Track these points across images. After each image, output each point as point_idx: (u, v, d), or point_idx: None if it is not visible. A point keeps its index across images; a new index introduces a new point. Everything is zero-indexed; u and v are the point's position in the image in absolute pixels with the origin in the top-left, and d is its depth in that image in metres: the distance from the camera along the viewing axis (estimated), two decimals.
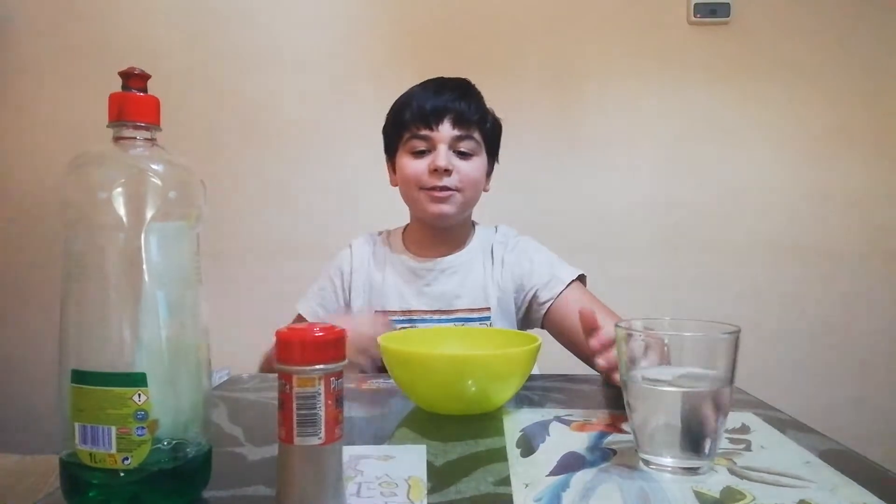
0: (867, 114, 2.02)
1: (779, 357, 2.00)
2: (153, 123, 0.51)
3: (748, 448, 0.64)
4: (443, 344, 0.88)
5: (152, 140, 0.51)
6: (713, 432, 0.56)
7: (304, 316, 1.16)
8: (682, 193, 2.04)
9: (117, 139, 0.50)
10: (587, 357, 1.04)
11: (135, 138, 0.50)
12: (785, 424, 0.72)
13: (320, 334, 0.46)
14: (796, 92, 2.02)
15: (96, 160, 0.50)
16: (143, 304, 0.48)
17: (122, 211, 0.47)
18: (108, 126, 0.50)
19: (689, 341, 0.60)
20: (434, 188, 1.07)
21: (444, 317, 1.12)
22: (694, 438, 0.56)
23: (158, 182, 0.48)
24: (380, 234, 1.24)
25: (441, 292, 1.13)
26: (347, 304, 1.17)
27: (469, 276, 1.14)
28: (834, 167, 2.02)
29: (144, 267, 0.48)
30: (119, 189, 0.48)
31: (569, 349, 1.09)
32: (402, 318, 1.12)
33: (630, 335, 0.59)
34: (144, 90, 0.51)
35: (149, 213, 0.48)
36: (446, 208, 1.08)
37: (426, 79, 1.13)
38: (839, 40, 2.00)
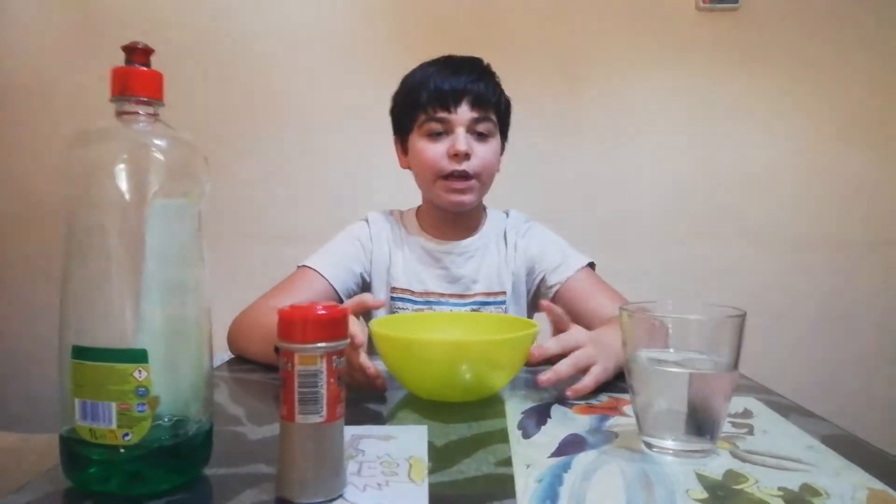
0: (875, 102, 2.00)
1: (782, 343, 2.00)
2: (156, 99, 0.50)
3: (751, 432, 0.63)
4: (438, 330, 0.86)
5: (155, 115, 0.50)
6: (717, 415, 0.56)
7: (318, 270, 1.06)
8: (688, 182, 2.03)
9: (120, 114, 0.49)
10: None
11: (137, 113, 0.49)
12: (787, 409, 0.72)
13: (322, 312, 0.46)
14: (804, 80, 2.00)
15: (98, 136, 0.49)
16: (145, 282, 0.48)
17: (124, 187, 0.47)
18: (110, 101, 0.50)
19: (693, 324, 0.59)
20: (452, 175, 1.04)
21: (461, 300, 1.11)
22: (698, 421, 0.56)
23: (161, 158, 0.48)
24: (392, 212, 1.21)
25: (459, 276, 1.12)
26: (368, 276, 1.13)
27: (485, 260, 1.14)
28: (841, 155, 2.01)
29: (146, 244, 0.47)
30: (121, 165, 0.47)
31: None
32: (420, 300, 1.11)
33: (634, 318, 0.58)
34: (147, 65, 0.50)
35: (151, 190, 0.47)
36: (465, 198, 1.06)
37: (433, 58, 1.10)
38: (848, 28, 1.99)
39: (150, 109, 0.50)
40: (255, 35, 2.02)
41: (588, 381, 0.73)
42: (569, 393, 0.73)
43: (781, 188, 2.02)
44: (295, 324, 0.46)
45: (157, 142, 0.48)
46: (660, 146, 2.03)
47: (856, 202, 2.01)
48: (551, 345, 0.75)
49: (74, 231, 0.48)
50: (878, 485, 0.51)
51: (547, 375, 0.71)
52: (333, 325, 0.46)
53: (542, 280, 1.11)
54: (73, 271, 0.48)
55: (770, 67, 2.00)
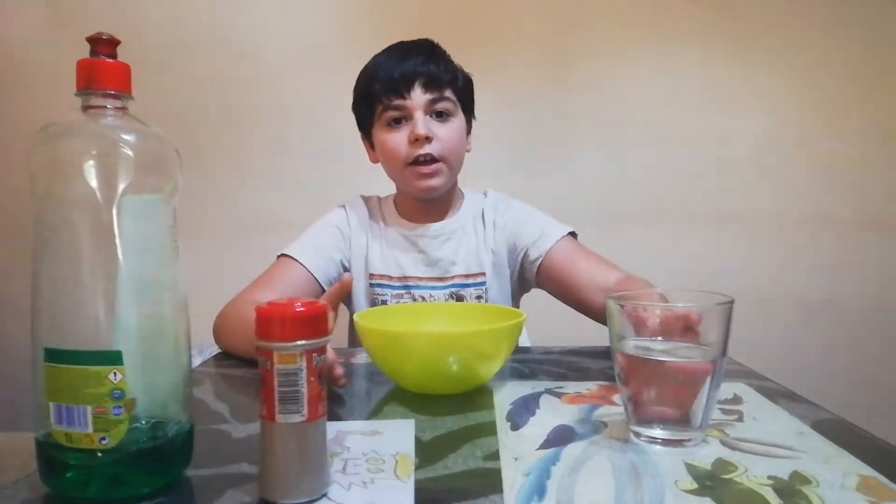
0: (860, 84, 1.99)
1: (771, 327, 2.01)
2: (124, 91, 0.48)
3: (740, 419, 0.63)
4: (424, 322, 0.85)
5: (124, 109, 0.48)
6: (706, 404, 0.55)
7: (298, 259, 1.05)
8: (675, 164, 2.02)
9: (86, 108, 0.48)
10: (582, 307, 1.03)
11: (105, 107, 0.48)
12: (777, 394, 0.71)
13: (301, 309, 0.45)
14: (790, 62, 1.99)
15: (64, 131, 0.47)
16: (118, 281, 0.46)
17: (92, 184, 0.45)
18: (76, 94, 0.48)
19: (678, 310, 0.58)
20: (418, 161, 1.04)
21: (440, 283, 1.10)
22: (686, 410, 0.56)
23: (130, 153, 0.46)
24: (370, 198, 1.20)
25: (437, 259, 1.11)
26: (348, 263, 1.13)
27: (462, 241, 1.13)
28: (827, 137, 2.00)
29: (118, 242, 0.46)
30: (89, 161, 0.46)
31: (564, 302, 1.07)
32: (398, 284, 1.10)
33: (621, 307, 0.58)
34: (114, 56, 0.48)
35: (121, 186, 0.46)
36: (434, 182, 1.06)
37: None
38: (833, 10, 1.97)
39: (118, 103, 0.48)
40: (230, 27, 1.98)
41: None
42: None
43: (765, 170, 2.01)
44: (273, 321, 0.45)
45: (125, 136, 0.47)
46: (648, 132, 2.01)
47: (841, 183, 2.01)
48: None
49: (42, 229, 0.46)
50: (868, 470, 0.50)
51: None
52: (313, 322, 0.45)
53: (525, 255, 1.10)
54: (43, 271, 0.47)
55: (755, 50, 1.98)
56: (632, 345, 0.57)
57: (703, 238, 2.02)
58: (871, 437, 0.58)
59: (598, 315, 0.97)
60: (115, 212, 0.45)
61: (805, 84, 2.00)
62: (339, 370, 0.70)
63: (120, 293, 0.46)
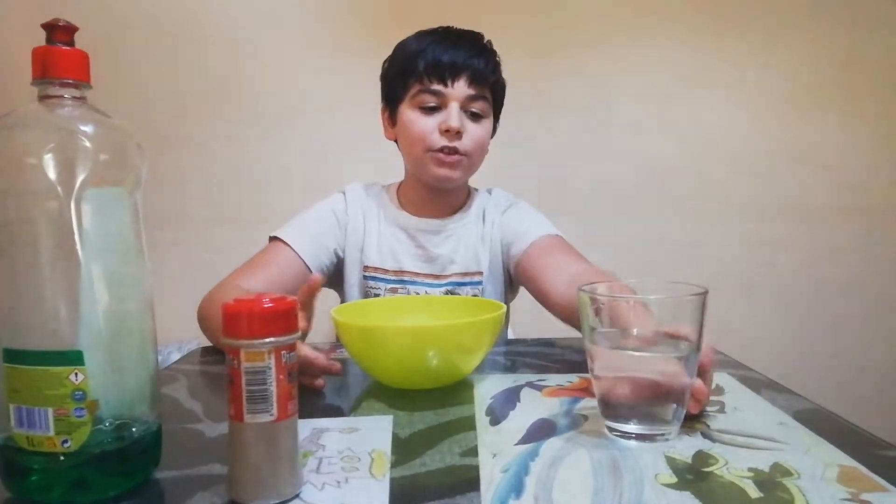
0: (840, 71, 2.00)
1: (752, 315, 2.02)
2: (82, 80, 0.46)
3: (722, 410, 0.62)
4: (403, 315, 0.84)
5: (82, 99, 0.47)
6: (680, 398, 0.54)
7: (290, 244, 1.02)
8: (655, 152, 2.01)
9: (43, 98, 0.46)
10: (545, 299, 0.98)
11: (62, 97, 0.46)
12: (759, 384, 0.71)
13: (269, 305, 0.44)
14: (770, 50, 1.99)
15: (19, 122, 0.45)
16: (79, 277, 0.44)
17: (50, 177, 0.43)
18: (32, 84, 0.46)
19: (653, 304, 0.57)
20: (442, 150, 1.00)
21: (436, 281, 1.08)
22: (660, 405, 0.54)
23: (88, 144, 0.44)
24: (372, 185, 1.16)
25: (436, 255, 1.09)
26: (342, 251, 1.10)
27: (463, 240, 1.10)
28: (807, 124, 2.01)
29: (77, 237, 0.44)
30: (46, 153, 0.44)
31: (536, 299, 1.03)
32: (393, 278, 1.08)
33: (593, 299, 0.56)
34: (71, 44, 0.46)
35: (79, 178, 0.44)
36: (454, 174, 1.03)
37: (430, 27, 1.05)
38: None
39: (76, 92, 0.46)
40: (213, 15, 1.95)
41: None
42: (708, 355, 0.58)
43: (746, 157, 2.02)
44: (240, 318, 0.43)
45: (83, 127, 0.45)
46: (629, 119, 2.01)
47: (822, 170, 2.02)
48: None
49: (0, 225, 0.45)
50: (849, 461, 0.50)
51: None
52: (281, 319, 0.44)
53: (508, 253, 1.08)
54: (0, 268, 0.45)
55: (735, 37, 1.98)
56: (603, 339, 0.56)
57: (685, 225, 2.03)
58: (851, 426, 0.58)
59: (560, 309, 0.92)
60: (73, 205, 0.44)
61: (788, 71, 2.00)
62: (322, 359, 0.68)
63: (81, 290, 0.44)
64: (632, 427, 0.55)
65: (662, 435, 0.54)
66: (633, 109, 2.01)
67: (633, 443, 0.54)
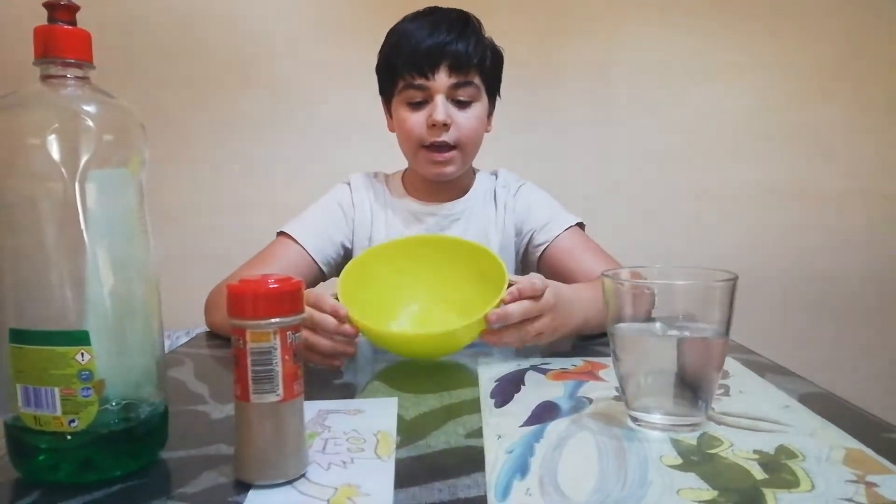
0: (851, 53, 1.98)
1: (760, 300, 2.01)
2: (85, 60, 0.46)
3: (727, 393, 0.62)
4: (406, 289, 0.85)
5: (85, 78, 0.46)
6: (709, 386, 0.53)
7: (297, 238, 1.02)
8: (664, 138, 2.00)
9: (45, 78, 0.45)
10: None
11: (65, 76, 0.45)
12: (764, 368, 0.71)
13: (274, 286, 0.44)
14: (780, 33, 1.97)
15: (21, 102, 0.45)
16: (84, 258, 0.44)
17: (53, 158, 0.43)
18: (34, 64, 0.46)
19: (681, 290, 0.56)
20: (433, 146, 1.00)
21: None
22: (688, 393, 0.53)
23: (91, 124, 0.44)
24: (376, 174, 1.16)
25: None
26: (350, 243, 1.10)
27: (471, 222, 1.10)
28: (817, 108, 1.99)
29: (81, 217, 0.44)
30: (49, 134, 0.43)
31: None
32: None
33: (617, 283, 0.55)
34: (73, 23, 0.46)
35: (83, 159, 0.44)
36: (447, 170, 1.03)
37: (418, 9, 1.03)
38: None
39: (79, 72, 0.46)
40: (223, 1, 1.95)
41: (515, 310, 0.69)
42: (492, 317, 0.69)
43: (755, 142, 2.00)
44: (245, 298, 0.43)
45: (86, 107, 0.44)
46: (634, 101, 1.99)
47: (831, 154, 2.00)
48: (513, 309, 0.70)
49: (3, 207, 0.44)
50: (854, 443, 0.50)
51: (497, 314, 0.68)
52: (286, 299, 0.44)
53: (531, 239, 1.08)
54: (5, 249, 0.45)
55: (745, 20, 1.96)
56: (627, 323, 0.55)
57: (689, 212, 2.02)
58: (856, 408, 0.58)
59: None
60: (77, 186, 0.43)
61: (793, 55, 1.98)
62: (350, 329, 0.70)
63: (85, 270, 0.45)
64: (657, 418, 0.53)
65: (689, 426, 0.53)
66: (638, 94, 1.99)
67: (657, 433, 0.53)
